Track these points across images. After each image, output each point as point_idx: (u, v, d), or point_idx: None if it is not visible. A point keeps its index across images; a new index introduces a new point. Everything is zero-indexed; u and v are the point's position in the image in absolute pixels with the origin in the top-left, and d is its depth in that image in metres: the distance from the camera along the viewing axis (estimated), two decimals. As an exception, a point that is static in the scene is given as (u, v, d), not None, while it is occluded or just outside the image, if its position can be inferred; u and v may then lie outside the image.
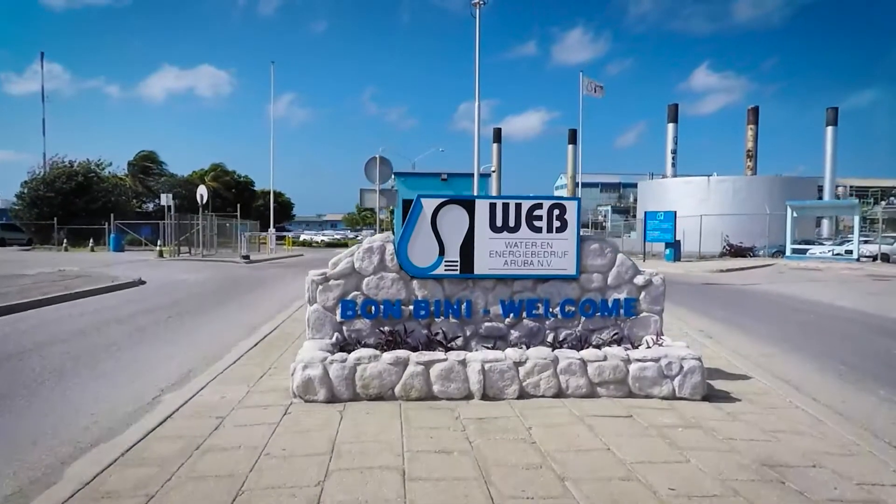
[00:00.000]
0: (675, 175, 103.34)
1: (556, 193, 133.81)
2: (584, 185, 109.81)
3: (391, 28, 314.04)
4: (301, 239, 63.53)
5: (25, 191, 41.16)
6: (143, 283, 15.81)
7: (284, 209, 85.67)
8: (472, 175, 27.73)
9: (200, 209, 26.74)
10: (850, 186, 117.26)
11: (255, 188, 79.63)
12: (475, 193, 26.31)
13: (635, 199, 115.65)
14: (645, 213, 27.34)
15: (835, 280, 19.34)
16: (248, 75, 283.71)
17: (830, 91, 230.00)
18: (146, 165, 56.64)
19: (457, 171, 27.86)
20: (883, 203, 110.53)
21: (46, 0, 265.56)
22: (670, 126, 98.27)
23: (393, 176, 28.70)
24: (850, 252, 26.26)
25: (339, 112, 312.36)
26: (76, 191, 40.97)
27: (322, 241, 62.27)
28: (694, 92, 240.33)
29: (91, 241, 34.39)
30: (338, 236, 69.95)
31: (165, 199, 28.80)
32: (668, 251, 26.77)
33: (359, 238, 61.85)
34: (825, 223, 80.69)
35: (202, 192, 26.48)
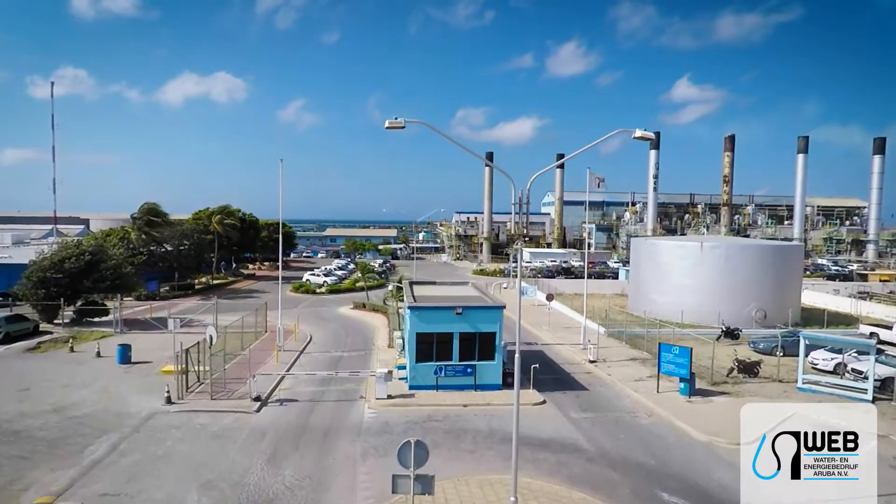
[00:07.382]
0: (656, 198, 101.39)
1: (544, 210, 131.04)
2: (569, 202, 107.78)
3: (399, 39, 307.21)
4: (304, 280, 60.57)
5: (33, 270, 38.00)
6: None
7: (287, 238, 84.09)
8: (487, 308, 25.37)
9: (209, 350, 23.90)
10: (818, 206, 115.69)
11: (259, 223, 78.28)
12: (497, 330, 24.09)
13: (618, 217, 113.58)
14: (660, 344, 25.00)
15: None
16: (264, 82, 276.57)
17: (802, 106, 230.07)
18: (151, 219, 53.61)
19: (471, 304, 25.29)
20: (847, 223, 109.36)
21: (77, 10, 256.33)
22: (652, 153, 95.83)
23: (408, 309, 26.12)
24: (865, 390, 24.10)
25: (345, 117, 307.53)
26: (84, 271, 37.91)
27: (326, 284, 59.26)
28: (675, 102, 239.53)
29: (98, 345, 31.34)
30: (339, 272, 66.71)
31: (172, 324, 26.02)
32: (682, 385, 24.51)
33: (361, 275, 58.85)
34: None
35: (211, 332, 23.69)
